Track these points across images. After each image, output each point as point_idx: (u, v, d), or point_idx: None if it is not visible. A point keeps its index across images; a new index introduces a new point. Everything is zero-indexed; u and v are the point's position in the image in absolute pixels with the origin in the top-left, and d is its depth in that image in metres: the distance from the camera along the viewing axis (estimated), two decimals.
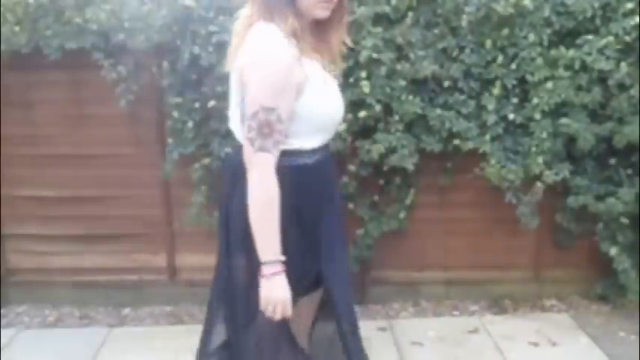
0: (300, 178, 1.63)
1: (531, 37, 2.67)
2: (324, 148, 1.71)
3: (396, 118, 2.73)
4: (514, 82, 2.72)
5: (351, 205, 2.90)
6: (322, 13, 1.58)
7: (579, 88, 2.69)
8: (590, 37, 2.66)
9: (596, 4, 2.64)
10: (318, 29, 1.65)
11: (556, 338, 2.82)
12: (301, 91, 1.55)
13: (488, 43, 2.70)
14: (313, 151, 1.65)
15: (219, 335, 1.83)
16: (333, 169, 1.81)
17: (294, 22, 1.54)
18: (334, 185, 1.85)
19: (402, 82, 2.69)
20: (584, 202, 2.81)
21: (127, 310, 3.14)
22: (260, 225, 1.54)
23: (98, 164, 3.01)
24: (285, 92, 1.51)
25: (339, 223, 1.82)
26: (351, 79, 2.64)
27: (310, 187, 1.66)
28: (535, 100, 2.69)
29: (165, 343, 2.81)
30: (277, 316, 1.58)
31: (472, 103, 2.76)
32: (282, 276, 1.56)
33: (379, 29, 2.65)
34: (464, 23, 2.67)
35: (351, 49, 2.11)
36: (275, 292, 1.56)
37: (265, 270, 1.55)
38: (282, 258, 1.56)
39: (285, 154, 1.57)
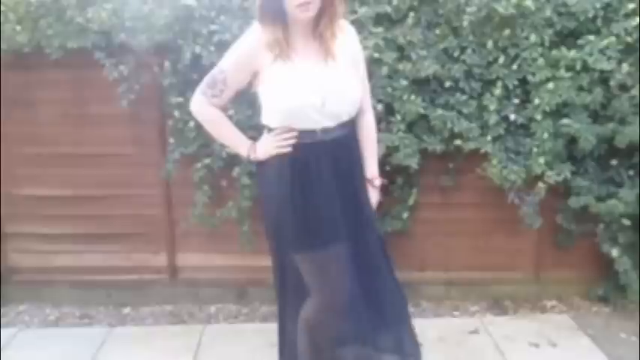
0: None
1: (533, 37, 2.67)
2: (308, 135, 1.88)
3: (398, 117, 2.73)
4: (515, 82, 2.72)
5: None
6: (303, 15, 1.80)
7: (580, 88, 2.69)
8: (591, 37, 2.66)
9: (598, 5, 2.65)
10: (314, 28, 1.86)
11: (556, 339, 2.82)
12: (255, 78, 1.90)
13: (490, 44, 2.70)
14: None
15: None
16: (325, 159, 1.92)
17: (268, 33, 1.83)
18: (325, 172, 1.93)
19: (404, 82, 2.70)
20: (585, 202, 2.81)
21: (127, 310, 3.15)
22: (217, 138, 2.08)
23: (99, 163, 3.01)
24: (237, 66, 1.89)
25: (343, 214, 1.98)
26: None
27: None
28: (536, 101, 2.70)
29: (166, 343, 2.81)
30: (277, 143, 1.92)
31: (473, 103, 2.76)
32: (257, 145, 1.96)
33: (380, 29, 2.66)
34: (465, 23, 2.68)
35: None
36: (263, 149, 1.94)
37: (251, 154, 1.96)
38: (247, 142, 1.98)
39: (269, 130, 1.94)
